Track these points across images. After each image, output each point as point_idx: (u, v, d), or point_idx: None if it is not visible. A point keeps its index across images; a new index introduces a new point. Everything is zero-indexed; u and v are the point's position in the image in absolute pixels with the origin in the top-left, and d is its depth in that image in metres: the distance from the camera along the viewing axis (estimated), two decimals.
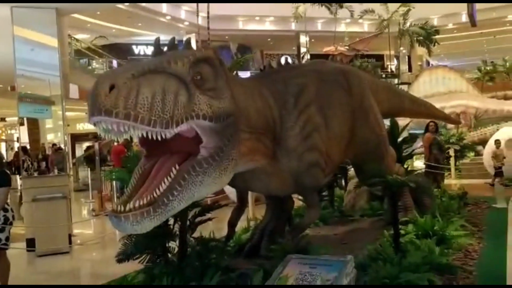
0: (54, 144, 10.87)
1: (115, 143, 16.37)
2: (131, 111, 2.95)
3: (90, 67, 20.89)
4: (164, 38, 3.81)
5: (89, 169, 17.44)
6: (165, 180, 3.30)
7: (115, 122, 2.97)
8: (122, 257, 4.62)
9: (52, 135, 11.95)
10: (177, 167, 3.37)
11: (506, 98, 22.21)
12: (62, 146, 10.48)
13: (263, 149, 4.34)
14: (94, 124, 3.10)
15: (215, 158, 3.51)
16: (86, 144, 24.97)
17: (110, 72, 3.14)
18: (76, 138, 25.89)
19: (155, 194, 3.23)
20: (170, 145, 3.48)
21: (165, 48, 3.71)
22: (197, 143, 3.53)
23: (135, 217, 3.11)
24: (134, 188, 3.45)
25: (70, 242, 8.68)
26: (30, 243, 8.45)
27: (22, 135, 10.49)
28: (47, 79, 9.49)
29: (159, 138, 3.17)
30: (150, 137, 3.14)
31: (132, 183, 3.51)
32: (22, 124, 9.90)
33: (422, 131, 16.22)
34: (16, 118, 11.93)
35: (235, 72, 7.49)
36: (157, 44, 3.72)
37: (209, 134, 3.51)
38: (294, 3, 28.36)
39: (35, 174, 9.57)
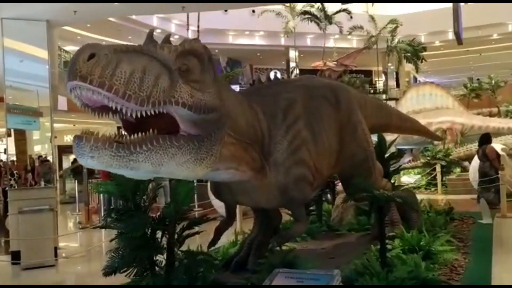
0: (40, 156, 10.83)
1: None
2: (106, 81, 2.98)
3: None
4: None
5: (76, 181, 17.34)
6: (140, 133, 3.27)
7: (89, 88, 2.99)
8: (109, 271, 4.59)
9: (39, 147, 11.89)
10: (155, 131, 3.34)
11: (491, 115, 22.51)
12: (50, 158, 10.43)
13: (250, 161, 4.35)
14: (70, 91, 3.11)
15: (194, 142, 3.51)
16: (73, 156, 24.83)
17: (94, 43, 3.17)
18: (63, 150, 25.73)
19: (125, 138, 3.21)
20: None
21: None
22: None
23: (96, 141, 3.09)
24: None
25: (56, 255, 8.59)
26: (15, 256, 8.35)
27: (10, 147, 10.43)
28: (36, 90, 9.46)
29: (133, 116, 3.18)
30: (124, 113, 3.16)
31: None
32: (9, 135, 9.85)
33: (409, 147, 16.41)
34: (2, 129, 11.87)
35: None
36: (150, 35, 3.72)
37: (188, 124, 3.50)
38: (284, 18, 28.66)
39: (15, 186, 9.50)
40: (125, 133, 3.49)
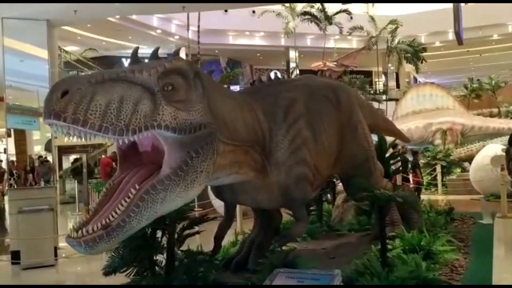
0: (40, 156, 10.80)
1: (103, 156, 16.32)
2: (79, 117, 2.99)
3: None
4: (161, 51, 3.83)
5: (76, 181, 17.34)
6: (122, 202, 3.29)
7: (64, 126, 3.02)
8: (109, 270, 4.59)
9: (39, 147, 11.87)
10: (137, 187, 3.35)
11: (491, 115, 22.50)
12: (50, 158, 10.42)
13: (251, 162, 4.36)
14: (49, 125, 3.14)
15: (178, 173, 3.45)
16: (73, 157, 24.82)
17: (68, 78, 3.20)
18: (63, 150, 25.71)
19: (110, 218, 3.22)
20: (147, 155, 3.51)
21: (148, 59, 3.74)
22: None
23: (86, 242, 3.13)
24: (99, 204, 3.44)
25: (56, 255, 8.57)
26: (15, 256, 8.34)
27: (10, 147, 10.42)
28: (36, 90, 9.45)
29: (116, 144, 3.25)
30: (108, 143, 3.20)
31: (100, 198, 3.50)
32: (9, 135, 9.83)
33: (410, 147, 16.42)
34: (2, 130, 11.86)
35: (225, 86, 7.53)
36: (134, 53, 3.73)
37: (173, 146, 3.47)
38: (284, 19, 28.64)
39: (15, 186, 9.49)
40: (118, 155, 3.61)
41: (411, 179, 12.98)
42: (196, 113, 3.57)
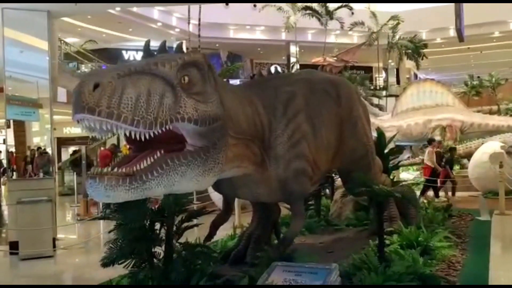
0: (39, 148, 10.82)
1: (102, 148, 16.33)
2: (114, 110, 2.98)
3: (79, 71, 20.79)
4: (155, 44, 3.82)
5: (75, 173, 17.33)
6: (148, 159, 3.30)
7: (97, 120, 2.99)
8: (107, 262, 4.59)
9: (39, 138, 11.88)
10: (162, 152, 3.38)
11: (491, 112, 22.50)
12: (49, 149, 10.43)
13: (251, 156, 4.37)
14: (78, 122, 3.11)
15: (201, 155, 3.53)
16: (72, 148, 24.82)
17: (96, 71, 3.17)
18: (63, 142, 25.69)
19: (135, 168, 3.23)
20: (157, 144, 3.51)
21: (156, 52, 3.73)
22: (184, 142, 3.56)
23: (110, 180, 3.12)
24: (115, 164, 3.40)
25: (54, 246, 8.59)
26: (14, 246, 8.35)
27: (9, 138, 10.42)
28: (36, 81, 9.43)
29: (142, 138, 3.20)
30: (133, 136, 3.18)
31: (114, 161, 3.51)
32: (9, 126, 9.83)
33: (408, 144, 16.40)
34: (1, 120, 11.86)
35: (225, 80, 7.52)
36: (147, 47, 3.74)
37: (194, 137, 3.53)
38: (285, 13, 28.59)
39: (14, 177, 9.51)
40: (129, 146, 3.61)
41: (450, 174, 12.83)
42: (213, 105, 3.64)
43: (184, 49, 3.90)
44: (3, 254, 8.49)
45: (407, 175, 17.02)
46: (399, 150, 7.90)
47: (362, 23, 29.10)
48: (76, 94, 2.98)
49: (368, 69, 37.24)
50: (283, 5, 28.60)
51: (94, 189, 3.15)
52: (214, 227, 5.24)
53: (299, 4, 28.75)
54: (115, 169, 3.19)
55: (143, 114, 3.09)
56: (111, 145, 15.20)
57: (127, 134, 3.16)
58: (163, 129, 3.23)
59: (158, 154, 3.35)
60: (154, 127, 3.15)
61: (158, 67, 3.34)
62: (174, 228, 4.80)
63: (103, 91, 2.97)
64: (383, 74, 37.10)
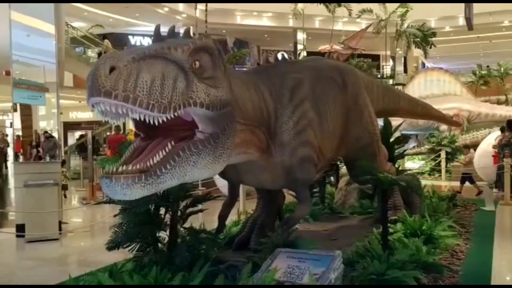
0: (46, 132, 10.86)
1: (111, 133, 16.34)
2: (130, 94, 2.97)
3: (85, 56, 20.78)
4: (162, 29, 3.81)
5: (81, 157, 17.43)
6: (160, 152, 3.31)
7: (113, 104, 2.99)
8: (112, 245, 4.64)
9: (45, 123, 11.92)
10: (173, 143, 3.40)
11: (499, 102, 22.35)
12: (55, 134, 10.48)
13: (257, 142, 4.38)
14: (93, 106, 3.10)
15: (211, 142, 3.54)
16: (78, 133, 24.93)
17: (111, 54, 3.14)
18: (69, 126, 25.82)
19: (149, 164, 3.24)
20: (165, 130, 3.51)
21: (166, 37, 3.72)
22: (192, 128, 3.57)
23: (126, 179, 3.12)
24: (128, 159, 3.44)
25: (60, 229, 8.67)
26: (20, 229, 8.43)
27: (15, 122, 10.47)
28: (42, 65, 9.44)
29: (156, 123, 3.20)
30: (147, 121, 3.18)
31: (126, 155, 3.51)
32: (15, 110, 9.87)
33: (414, 133, 16.25)
34: (8, 104, 11.89)
35: (231, 66, 7.51)
36: (157, 31, 3.73)
37: (205, 122, 3.55)
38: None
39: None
40: (137, 131, 3.63)
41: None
42: (223, 90, 3.65)
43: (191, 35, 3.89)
44: (10, 237, 8.57)
45: (412, 165, 16.98)
46: (405, 139, 7.87)
47: (371, 10, 28.83)
48: (92, 77, 2.95)
49: (376, 57, 36.99)
50: None
51: (111, 189, 3.15)
52: (222, 220, 5.27)
53: None
54: (130, 167, 3.20)
55: (158, 98, 3.08)
56: (115, 127, 15.11)
57: (142, 119, 3.15)
58: (176, 113, 3.23)
59: (169, 145, 3.36)
60: (168, 111, 3.15)
61: (171, 51, 3.33)
62: (179, 213, 4.82)
63: (120, 75, 2.96)
64: (390, 63, 36.83)
